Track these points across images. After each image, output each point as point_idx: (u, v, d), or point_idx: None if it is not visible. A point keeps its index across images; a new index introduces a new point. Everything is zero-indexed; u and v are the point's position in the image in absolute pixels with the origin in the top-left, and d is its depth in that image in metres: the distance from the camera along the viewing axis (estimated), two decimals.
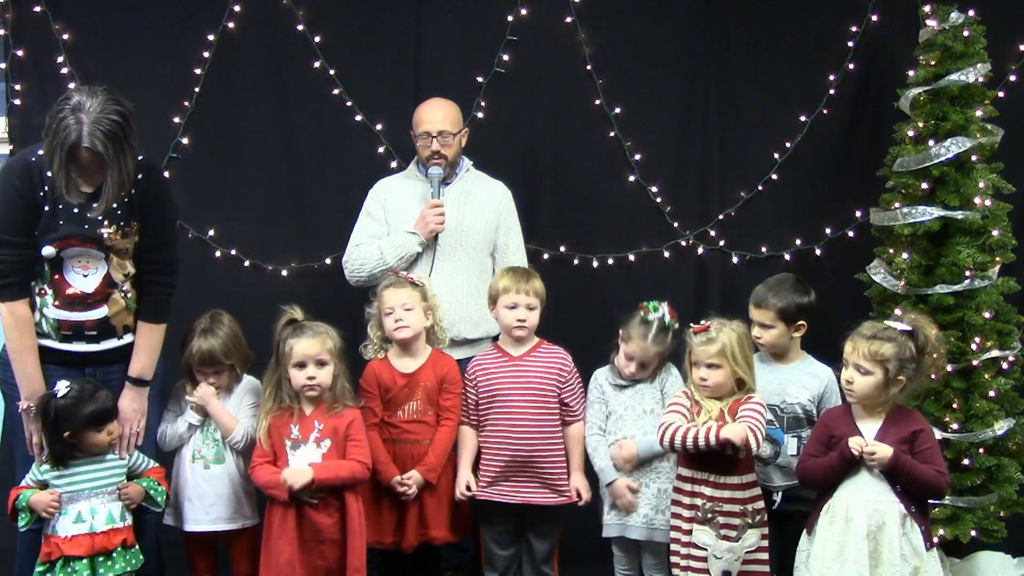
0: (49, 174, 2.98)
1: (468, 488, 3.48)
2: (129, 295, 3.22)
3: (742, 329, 3.24)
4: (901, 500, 2.99)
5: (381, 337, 3.51)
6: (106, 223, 3.10)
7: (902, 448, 2.98)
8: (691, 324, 3.25)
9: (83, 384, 3.10)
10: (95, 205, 3.02)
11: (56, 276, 3.14)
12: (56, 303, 3.14)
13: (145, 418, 3.28)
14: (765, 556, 3.15)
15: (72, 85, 4.17)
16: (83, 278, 3.15)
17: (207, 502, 3.37)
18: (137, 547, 3.18)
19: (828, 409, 3.30)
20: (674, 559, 3.22)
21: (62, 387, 3.06)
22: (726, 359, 3.15)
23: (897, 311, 3.69)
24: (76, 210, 3.06)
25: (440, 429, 3.48)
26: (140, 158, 3.06)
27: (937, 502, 3.72)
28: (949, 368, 3.74)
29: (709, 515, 3.12)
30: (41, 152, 3.02)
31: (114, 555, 3.10)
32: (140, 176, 3.08)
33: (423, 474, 3.41)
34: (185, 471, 3.39)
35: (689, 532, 3.16)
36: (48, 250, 3.09)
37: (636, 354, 3.40)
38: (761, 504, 3.19)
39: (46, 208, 3.06)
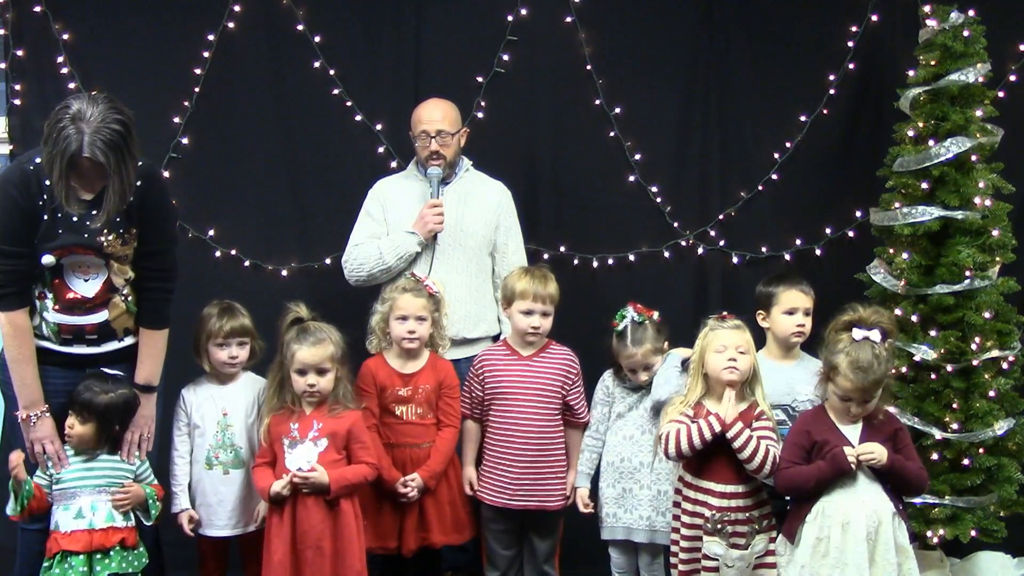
0: (48, 183, 2.95)
1: (471, 486, 3.51)
2: (129, 298, 3.21)
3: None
4: (891, 498, 3.02)
5: (384, 331, 3.49)
6: (105, 231, 3.07)
7: (887, 447, 3.01)
8: (711, 316, 3.25)
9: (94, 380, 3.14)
10: (94, 213, 2.99)
11: (57, 280, 3.12)
12: (56, 307, 3.13)
13: (155, 423, 3.29)
14: (773, 560, 3.14)
15: (71, 86, 4.19)
16: (84, 283, 3.14)
17: (228, 507, 3.39)
18: (141, 549, 3.18)
19: (802, 413, 3.27)
20: (673, 561, 3.22)
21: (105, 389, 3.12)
22: (752, 348, 3.16)
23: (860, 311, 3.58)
24: (75, 219, 3.04)
25: (441, 434, 3.48)
26: (140, 163, 3.03)
27: (937, 502, 3.72)
28: (949, 368, 3.75)
29: (718, 525, 3.10)
30: (39, 160, 2.98)
31: (111, 553, 3.09)
32: (139, 183, 3.04)
33: (424, 479, 3.41)
34: (203, 479, 3.39)
35: (688, 539, 3.16)
36: (47, 259, 3.07)
37: (631, 364, 3.42)
38: (767, 509, 3.18)
39: (44, 217, 3.03)
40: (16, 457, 3.15)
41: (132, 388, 3.18)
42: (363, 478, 3.23)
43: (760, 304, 3.51)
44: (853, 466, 2.98)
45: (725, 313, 3.24)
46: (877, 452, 2.98)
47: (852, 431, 3.06)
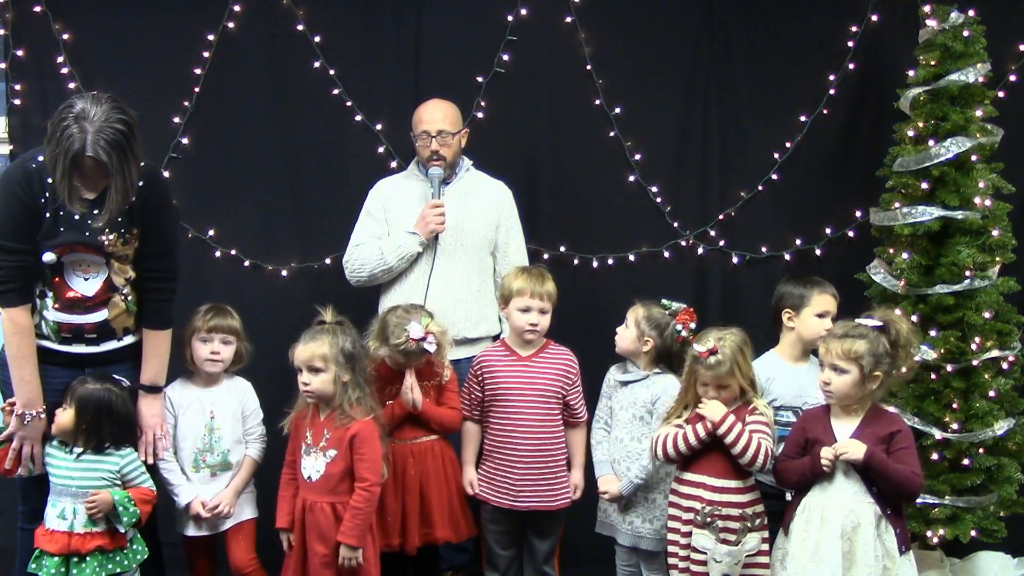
0: (50, 181, 2.96)
1: (472, 487, 3.51)
2: (129, 298, 3.22)
3: (741, 336, 3.19)
4: (877, 502, 2.99)
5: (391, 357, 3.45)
6: (107, 230, 3.08)
7: (879, 448, 2.98)
8: (695, 344, 3.19)
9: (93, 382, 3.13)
10: (96, 213, 3.01)
11: (57, 279, 3.13)
12: (56, 306, 3.14)
13: (166, 422, 3.31)
14: (765, 560, 3.14)
15: (72, 86, 4.19)
16: (84, 282, 3.15)
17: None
18: (135, 547, 3.16)
19: (807, 409, 3.30)
20: (672, 561, 3.21)
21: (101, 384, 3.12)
22: (735, 377, 3.14)
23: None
24: (77, 217, 3.05)
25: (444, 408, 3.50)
26: (142, 164, 3.04)
27: (937, 502, 3.72)
28: (949, 368, 3.75)
29: (708, 519, 3.11)
30: (41, 158, 3.00)
31: (87, 558, 3.07)
32: (141, 183, 3.05)
33: (424, 405, 3.40)
34: (190, 480, 3.38)
35: (687, 535, 3.15)
36: (49, 256, 3.08)
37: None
38: (761, 507, 3.18)
39: (47, 215, 3.05)
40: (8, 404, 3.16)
41: (127, 394, 3.16)
42: (368, 503, 3.16)
43: (788, 303, 3.51)
44: (827, 468, 2.99)
45: (711, 345, 3.12)
46: (851, 449, 2.97)
47: (847, 429, 3.04)
